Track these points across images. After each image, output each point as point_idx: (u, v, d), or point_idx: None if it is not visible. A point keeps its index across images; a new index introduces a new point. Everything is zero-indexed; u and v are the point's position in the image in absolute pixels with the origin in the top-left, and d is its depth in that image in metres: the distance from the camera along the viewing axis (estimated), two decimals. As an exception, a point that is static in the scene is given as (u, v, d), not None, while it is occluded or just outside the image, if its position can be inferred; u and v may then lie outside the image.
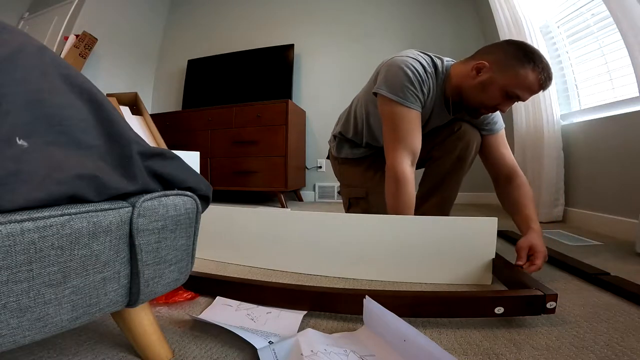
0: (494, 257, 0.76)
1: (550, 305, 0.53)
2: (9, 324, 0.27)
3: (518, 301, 0.54)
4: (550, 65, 0.78)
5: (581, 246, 1.14)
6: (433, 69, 0.87)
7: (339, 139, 1.19)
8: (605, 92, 1.51)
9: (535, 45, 1.68)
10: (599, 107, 1.50)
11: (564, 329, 0.54)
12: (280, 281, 0.76)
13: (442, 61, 0.90)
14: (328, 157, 1.35)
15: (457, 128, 0.98)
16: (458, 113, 0.93)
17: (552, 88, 1.67)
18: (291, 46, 2.66)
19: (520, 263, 0.74)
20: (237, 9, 3.05)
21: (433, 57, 0.90)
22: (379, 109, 0.88)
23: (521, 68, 0.75)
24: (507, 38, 1.86)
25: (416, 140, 0.84)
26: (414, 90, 0.82)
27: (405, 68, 0.82)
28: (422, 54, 0.89)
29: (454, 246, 0.76)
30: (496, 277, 0.75)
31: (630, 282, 0.72)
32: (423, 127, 0.90)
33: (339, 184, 1.30)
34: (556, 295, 0.54)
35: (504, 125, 1.00)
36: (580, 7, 1.54)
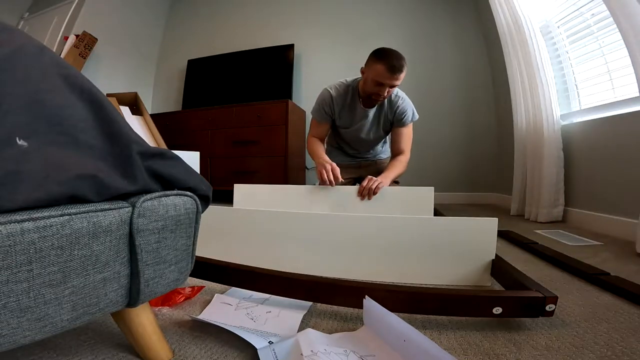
0: (493, 257, 0.76)
1: (549, 307, 0.53)
2: (9, 324, 0.27)
3: (517, 302, 0.54)
4: (399, 58, 1.15)
5: (581, 246, 1.14)
6: (344, 88, 1.34)
7: (328, 146, 1.62)
8: (605, 92, 1.51)
9: (535, 45, 1.69)
10: (599, 107, 1.50)
11: (564, 329, 0.54)
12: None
13: (353, 80, 1.36)
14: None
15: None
16: (370, 106, 1.34)
17: (552, 88, 1.67)
18: (291, 46, 2.66)
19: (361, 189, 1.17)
20: (238, 9, 3.05)
21: (348, 80, 1.36)
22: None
23: (374, 64, 1.17)
24: (507, 38, 1.87)
25: (319, 132, 1.42)
26: (319, 111, 1.37)
27: (319, 99, 1.37)
28: (338, 83, 1.36)
29: (453, 247, 0.76)
30: (496, 278, 0.75)
31: (630, 282, 0.72)
32: (351, 121, 1.38)
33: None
34: (556, 297, 0.54)
35: (409, 122, 1.39)
36: (580, 7, 1.54)
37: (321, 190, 1.18)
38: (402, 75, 1.16)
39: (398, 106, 1.33)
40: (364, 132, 1.41)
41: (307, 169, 2.75)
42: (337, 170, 1.19)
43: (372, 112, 1.36)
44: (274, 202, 1.19)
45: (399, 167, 1.34)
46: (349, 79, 1.37)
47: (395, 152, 1.41)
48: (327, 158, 1.27)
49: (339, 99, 1.34)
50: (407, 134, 1.39)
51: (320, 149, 1.36)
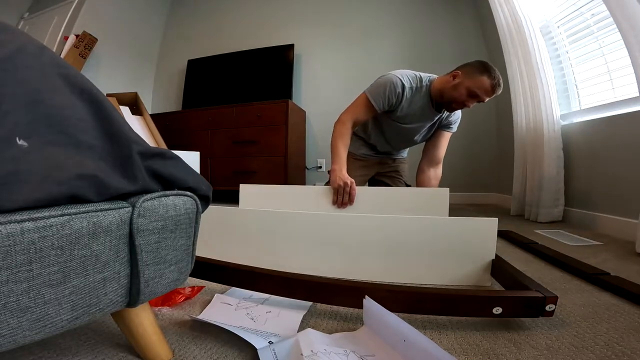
0: (493, 257, 0.76)
1: (549, 307, 0.53)
2: (9, 324, 0.27)
3: (517, 302, 0.54)
4: (501, 79, 1.14)
5: (581, 246, 1.14)
6: (418, 83, 1.23)
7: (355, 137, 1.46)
8: (605, 92, 1.51)
9: (535, 45, 1.69)
10: (599, 107, 1.50)
11: (564, 329, 0.54)
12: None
13: (427, 76, 1.26)
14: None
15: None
16: (439, 110, 1.28)
17: (552, 88, 1.67)
18: (291, 46, 2.66)
19: None
20: (237, 9, 3.05)
21: (420, 74, 1.25)
22: (360, 95, 1.26)
23: (480, 76, 1.13)
24: (507, 38, 1.87)
25: (361, 116, 1.25)
26: (383, 98, 1.21)
27: (388, 85, 1.19)
28: (409, 73, 1.24)
29: (453, 246, 0.76)
30: (496, 278, 0.75)
31: (630, 282, 0.72)
32: (410, 117, 1.28)
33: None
34: (556, 297, 0.53)
35: (454, 130, 1.38)
36: (580, 7, 1.54)
37: (329, 190, 1.12)
38: (496, 95, 1.16)
39: (457, 115, 1.33)
40: (418, 134, 1.34)
41: (307, 169, 2.75)
42: (355, 190, 1.07)
43: (437, 117, 1.30)
44: (280, 203, 1.18)
45: (435, 184, 1.37)
46: (423, 74, 1.26)
47: (434, 158, 1.37)
48: (345, 172, 1.11)
49: (411, 93, 1.22)
50: (448, 139, 1.38)
51: (345, 151, 1.20)
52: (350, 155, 1.41)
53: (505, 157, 2.28)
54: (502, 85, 1.13)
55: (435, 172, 1.40)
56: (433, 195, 1.14)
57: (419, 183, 1.40)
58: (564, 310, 0.61)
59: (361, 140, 1.47)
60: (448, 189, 1.13)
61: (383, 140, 1.40)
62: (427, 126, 1.33)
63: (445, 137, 1.37)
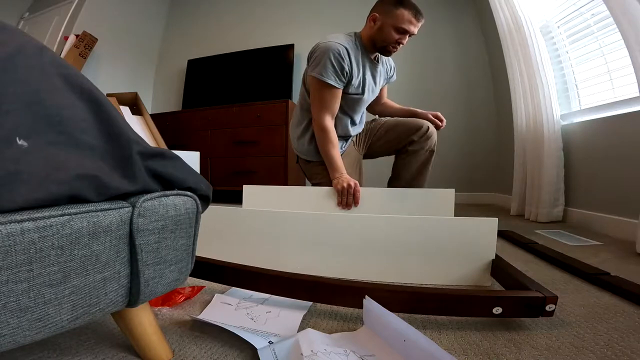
0: (494, 257, 0.76)
1: (549, 307, 0.53)
2: (9, 324, 0.27)
3: (517, 302, 0.54)
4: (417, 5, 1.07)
5: (581, 246, 1.14)
6: (350, 42, 1.12)
7: (300, 141, 1.33)
8: (605, 92, 1.51)
9: (535, 45, 1.69)
10: (599, 107, 1.50)
11: (564, 329, 0.54)
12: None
13: (349, 35, 1.17)
14: (297, 162, 1.44)
15: (429, 130, 1.25)
16: (378, 60, 1.23)
17: (552, 88, 1.67)
18: (291, 46, 2.66)
19: (440, 124, 1.29)
20: (237, 9, 3.05)
21: (343, 35, 1.15)
22: (310, 84, 1.14)
23: (395, 9, 1.06)
24: (507, 38, 1.87)
25: (334, 106, 1.14)
26: (335, 70, 1.08)
27: (330, 53, 1.06)
28: (339, 35, 1.14)
29: (453, 246, 0.76)
30: (496, 278, 0.75)
31: (630, 282, 0.72)
32: (363, 81, 1.18)
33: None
34: (556, 297, 0.53)
35: (395, 79, 1.40)
36: (580, 7, 1.54)
37: (333, 191, 1.10)
38: (422, 23, 1.10)
39: (390, 61, 1.31)
40: (373, 93, 1.26)
41: (307, 169, 2.75)
42: (359, 191, 1.05)
43: (379, 67, 1.23)
44: (283, 203, 1.17)
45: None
46: (345, 34, 1.17)
47: (388, 105, 1.41)
48: (347, 174, 1.09)
49: (353, 53, 1.11)
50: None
51: (338, 155, 1.14)
52: (314, 162, 1.34)
53: (505, 157, 2.28)
54: (421, 11, 1.08)
55: (389, 103, 1.43)
56: (438, 195, 1.13)
57: (384, 113, 1.42)
58: (564, 310, 0.61)
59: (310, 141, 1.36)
60: (453, 189, 1.12)
61: (349, 122, 1.27)
62: (377, 81, 1.27)
63: (385, 89, 1.38)
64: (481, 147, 2.51)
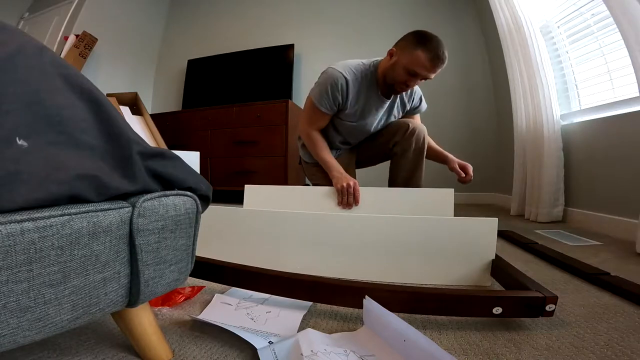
0: (494, 257, 0.76)
1: (549, 307, 0.53)
2: (9, 324, 0.27)
3: (517, 302, 0.54)
4: (442, 48, 0.99)
5: (581, 246, 1.14)
6: (361, 73, 1.12)
7: (300, 142, 1.36)
8: (605, 92, 1.51)
9: (535, 46, 1.69)
10: (599, 107, 1.50)
11: (564, 329, 0.54)
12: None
13: (371, 61, 1.15)
14: (300, 163, 1.45)
15: (410, 128, 1.20)
16: (388, 96, 1.18)
17: (552, 88, 1.67)
18: (291, 46, 2.66)
19: (463, 177, 1.20)
20: (237, 9, 3.05)
21: (363, 62, 1.14)
22: (306, 101, 1.19)
23: (415, 50, 0.99)
24: (507, 38, 1.87)
25: (320, 124, 1.19)
26: (329, 100, 1.11)
27: (331, 82, 1.09)
28: (352, 63, 1.12)
29: (453, 246, 0.76)
30: (496, 278, 0.75)
31: (630, 282, 0.72)
32: (362, 112, 1.17)
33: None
34: (556, 297, 0.53)
35: (425, 107, 1.33)
36: (580, 7, 1.54)
37: (333, 191, 1.10)
38: (442, 69, 1.02)
39: (415, 90, 1.22)
40: (373, 126, 1.23)
41: (307, 169, 2.75)
42: (359, 190, 1.04)
43: (387, 103, 1.19)
44: (285, 203, 1.17)
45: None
46: (367, 61, 1.14)
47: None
48: (345, 173, 1.08)
49: (354, 86, 1.11)
50: (419, 119, 1.30)
51: (330, 155, 1.14)
52: (317, 165, 1.32)
53: (505, 157, 2.28)
54: (443, 57, 0.99)
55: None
56: (437, 195, 1.12)
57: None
58: (564, 310, 0.61)
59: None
60: (452, 189, 1.11)
61: (341, 139, 1.29)
62: (380, 115, 1.22)
63: (417, 119, 1.29)
64: (481, 147, 2.51)
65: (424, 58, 0.98)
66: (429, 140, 1.30)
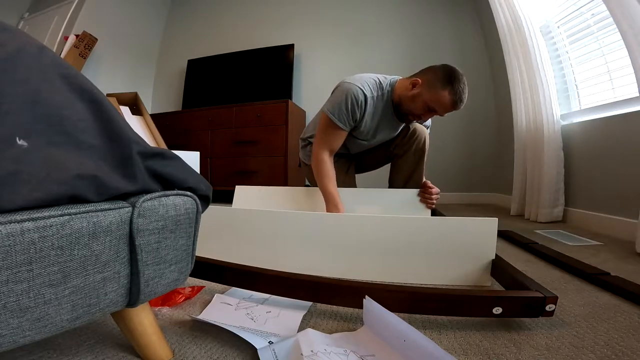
0: (494, 257, 0.76)
1: (549, 307, 0.53)
2: (9, 324, 0.27)
3: (517, 302, 0.54)
4: (466, 91, 0.98)
5: (581, 246, 1.14)
6: (378, 91, 1.08)
7: (311, 146, 1.29)
8: (605, 92, 1.51)
9: (535, 46, 1.69)
10: (599, 107, 1.50)
11: (564, 329, 0.54)
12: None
13: (387, 80, 1.11)
14: (300, 166, 1.42)
15: (410, 129, 1.20)
16: (401, 119, 1.14)
17: (552, 88, 1.67)
18: (291, 46, 2.66)
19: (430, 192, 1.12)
20: (237, 9, 3.05)
21: (379, 79, 1.10)
22: (321, 117, 1.12)
23: (441, 89, 0.97)
24: (507, 38, 1.87)
25: (336, 144, 1.12)
26: (347, 115, 1.05)
27: (349, 98, 1.04)
28: (369, 80, 1.08)
29: (453, 247, 0.76)
30: (496, 278, 0.75)
31: (630, 282, 0.72)
32: (374, 132, 1.15)
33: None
34: (556, 297, 0.53)
35: (429, 126, 1.32)
36: (580, 7, 1.54)
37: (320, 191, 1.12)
38: None
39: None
40: (380, 142, 1.23)
41: (307, 169, 2.75)
42: None
43: (401, 126, 1.18)
44: (274, 204, 1.18)
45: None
46: (383, 79, 1.10)
47: None
48: (341, 205, 1.05)
49: (372, 104, 1.06)
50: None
51: (335, 188, 1.07)
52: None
53: (505, 157, 2.28)
54: (464, 100, 0.98)
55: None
56: (416, 197, 1.15)
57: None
58: (564, 310, 0.61)
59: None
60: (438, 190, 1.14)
61: (343, 149, 1.25)
62: (392, 133, 1.20)
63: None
64: (481, 147, 2.51)
65: (448, 100, 0.96)
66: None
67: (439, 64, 1.03)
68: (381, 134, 1.16)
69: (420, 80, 1.01)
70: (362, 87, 1.04)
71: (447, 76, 0.97)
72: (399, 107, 1.08)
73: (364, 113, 1.06)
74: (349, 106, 1.03)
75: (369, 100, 1.05)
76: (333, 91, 1.13)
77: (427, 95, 0.99)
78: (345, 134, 1.10)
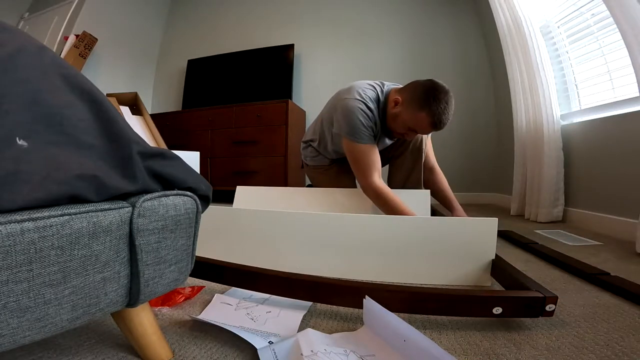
0: (494, 257, 0.76)
1: (549, 307, 0.53)
2: (9, 324, 0.27)
3: (517, 302, 0.54)
4: (448, 111, 0.95)
5: (581, 246, 1.14)
6: (376, 103, 1.06)
7: (312, 148, 1.33)
8: (605, 92, 1.51)
9: (535, 46, 1.69)
10: (599, 107, 1.50)
11: (564, 329, 0.54)
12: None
13: (382, 88, 1.09)
14: (302, 167, 1.44)
15: None
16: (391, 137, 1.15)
17: (552, 88, 1.67)
18: (291, 46, 2.66)
19: None
20: (237, 9, 3.05)
21: (375, 87, 1.08)
22: (344, 146, 1.09)
23: (418, 111, 0.95)
24: (507, 38, 1.87)
25: (376, 160, 1.06)
26: (366, 130, 1.03)
27: (358, 114, 1.02)
28: (367, 90, 1.06)
29: (453, 247, 0.76)
30: (496, 278, 0.75)
31: (630, 282, 0.72)
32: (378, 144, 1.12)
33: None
34: (556, 297, 0.53)
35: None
36: (580, 7, 1.54)
37: (320, 192, 1.14)
38: None
39: None
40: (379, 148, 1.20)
41: (307, 169, 2.75)
42: None
43: (396, 138, 1.18)
44: (275, 204, 1.18)
45: (447, 184, 1.27)
46: (375, 84, 1.09)
47: (431, 165, 1.30)
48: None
49: (374, 115, 1.05)
50: (430, 142, 1.28)
51: (406, 206, 0.99)
52: (318, 169, 1.33)
53: (505, 157, 2.28)
54: (445, 121, 0.95)
55: (439, 176, 1.28)
56: (414, 197, 1.14)
57: (431, 188, 1.25)
58: (564, 310, 0.61)
59: (320, 155, 1.31)
60: (429, 191, 1.16)
61: (340, 153, 1.24)
62: (388, 142, 1.20)
63: (428, 140, 1.26)
64: (481, 147, 2.51)
65: (426, 122, 0.95)
66: (442, 179, 1.28)
67: (424, 79, 1.01)
68: (380, 143, 1.16)
69: (400, 99, 1.01)
70: (365, 101, 1.03)
71: (426, 96, 0.94)
72: (385, 122, 1.08)
73: (375, 121, 1.06)
74: (363, 121, 1.02)
75: (373, 114, 1.05)
76: (334, 106, 1.11)
77: (405, 115, 0.99)
78: (376, 146, 1.07)
